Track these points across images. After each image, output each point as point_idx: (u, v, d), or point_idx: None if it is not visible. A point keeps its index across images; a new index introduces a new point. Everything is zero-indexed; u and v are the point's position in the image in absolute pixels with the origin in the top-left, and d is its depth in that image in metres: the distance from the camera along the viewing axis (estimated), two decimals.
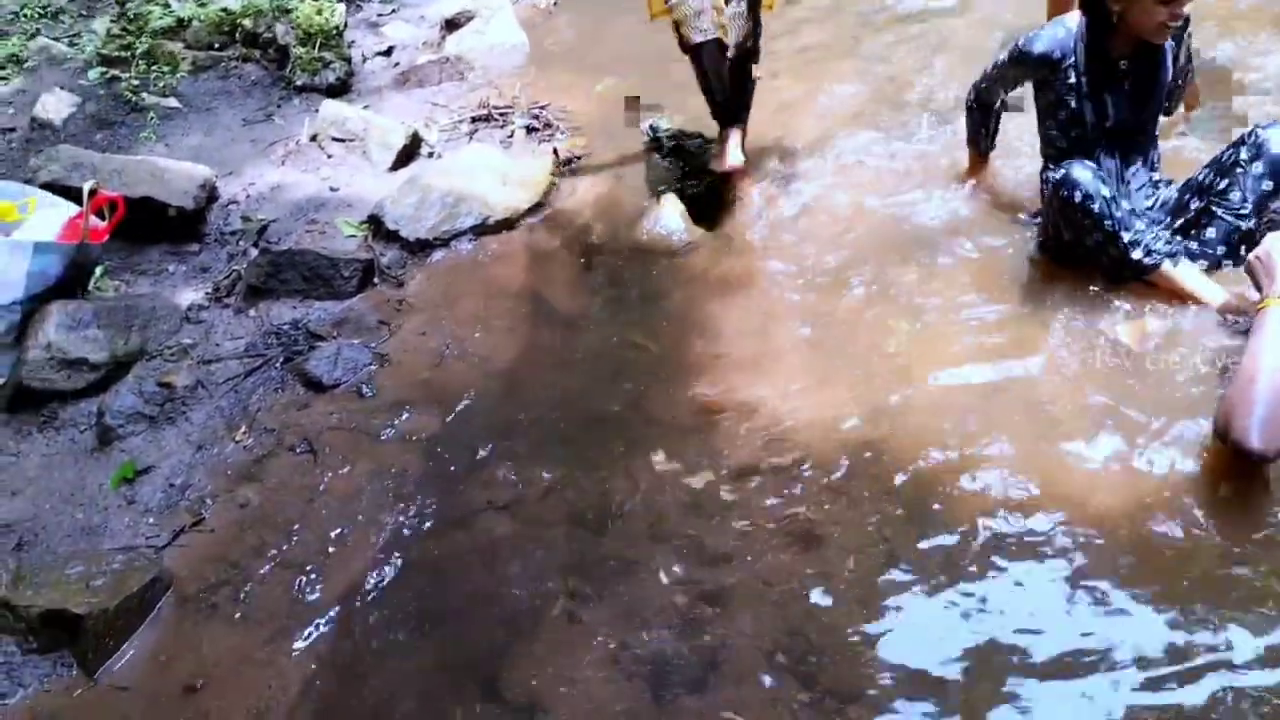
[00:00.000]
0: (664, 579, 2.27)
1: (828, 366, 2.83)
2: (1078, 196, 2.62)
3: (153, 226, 3.69)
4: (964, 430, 2.50)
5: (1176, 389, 2.48)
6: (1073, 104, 2.87)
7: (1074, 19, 2.89)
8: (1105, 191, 2.62)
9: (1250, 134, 2.70)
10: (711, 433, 2.67)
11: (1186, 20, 2.80)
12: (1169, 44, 2.84)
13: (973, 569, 2.15)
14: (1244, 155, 2.68)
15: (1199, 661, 1.90)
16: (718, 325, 3.10)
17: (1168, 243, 2.74)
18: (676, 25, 3.47)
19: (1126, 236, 2.64)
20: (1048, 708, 1.88)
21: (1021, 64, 2.95)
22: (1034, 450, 2.41)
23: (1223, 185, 2.71)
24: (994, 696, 1.91)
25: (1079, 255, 2.76)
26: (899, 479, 2.40)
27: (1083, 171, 2.64)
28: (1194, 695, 1.84)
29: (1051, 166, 2.91)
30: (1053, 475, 2.34)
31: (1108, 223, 2.62)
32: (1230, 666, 1.88)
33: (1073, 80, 2.85)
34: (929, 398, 2.63)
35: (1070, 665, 1.93)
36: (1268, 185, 2.65)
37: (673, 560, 2.31)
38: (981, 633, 2.03)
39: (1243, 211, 2.67)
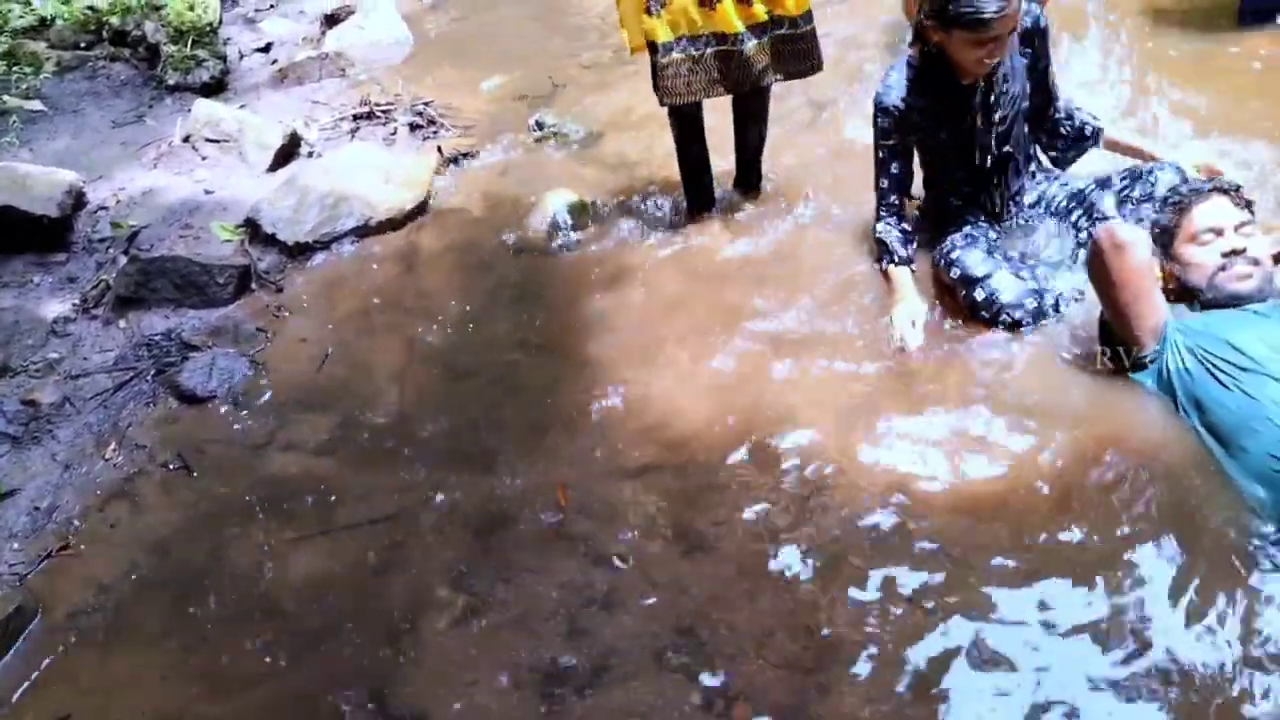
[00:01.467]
0: (553, 583, 2.25)
1: (718, 362, 2.83)
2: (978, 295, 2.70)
3: (16, 236, 3.53)
4: (849, 424, 2.52)
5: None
6: (938, 137, 2.90)
7: (908, 60, 2.87)
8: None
9: (1149, 171, 2.78)
10: (600, 433, 2.64)
11: (1042, 33, 2.85)
12: (1017, 54, 2.83)
13: (858, 563, 2.18)
14: (1137, 192, 2.77)
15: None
16: (606, 322, 3.08)
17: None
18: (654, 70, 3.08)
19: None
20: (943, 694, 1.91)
21: (887, 116, 2.87)
22: (923, 440, 2.45)
23: (1106, 205, 2.79)
24: (876, 687, 1.93)
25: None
26: (785, 477, 2.41)
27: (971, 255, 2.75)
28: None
29: (944, 241, 2.92)
30: (941, 468, 2.38)
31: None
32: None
33: (929, 115, 2.86)
34: (814, 393, 2.65)
35: (950, 657, 1.97)
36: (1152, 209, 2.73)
37: (562, 564, 2.29)
38: (868, 626, 2.05)
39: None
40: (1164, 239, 2.56)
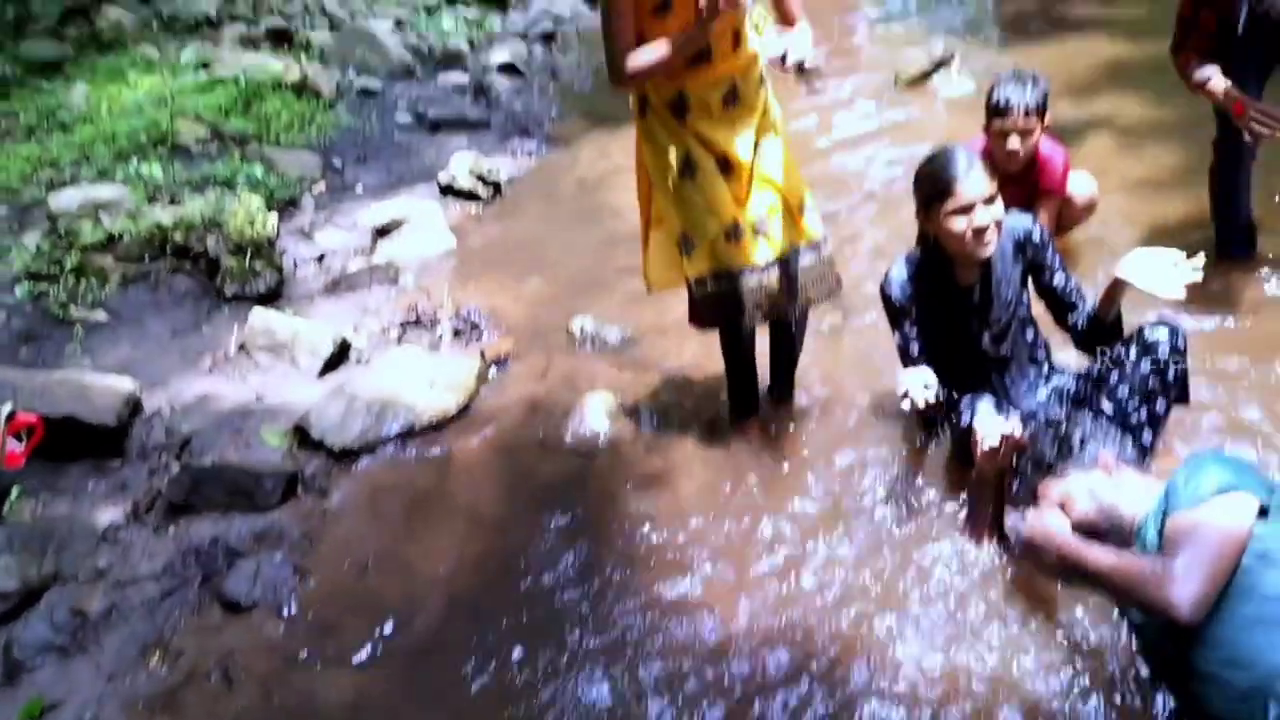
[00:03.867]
0: None
1: (758, 571, 2.85)
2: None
3: (75, 443, 3.64)
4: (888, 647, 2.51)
5: None
6: (937, 332, 3.02)
7: (910, 256, 3.04)
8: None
9: (1139, 334, 2.83)
10: (648, 645, 2.64)
11: (1037, 245, 2.96)
12: (1011, 263, 2.96)
13: None
14: (1132, 354, 2.82)
15: None
16: (646, 528, 3.11)
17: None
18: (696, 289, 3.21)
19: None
20: None
21: (891, 305, 3.03)
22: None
23: (1113, 380, 2.84)
24: None
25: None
26: (820, 693, 2.39)
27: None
28: None
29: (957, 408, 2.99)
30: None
31: None
32: None
33: (928, 312, 3.00)
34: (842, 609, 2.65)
35: None
36: (1154, 382, 2.79)
37: None
38: None
39: (1129, 408, 2.79)
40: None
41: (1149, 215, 4.42)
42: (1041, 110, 3.71)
